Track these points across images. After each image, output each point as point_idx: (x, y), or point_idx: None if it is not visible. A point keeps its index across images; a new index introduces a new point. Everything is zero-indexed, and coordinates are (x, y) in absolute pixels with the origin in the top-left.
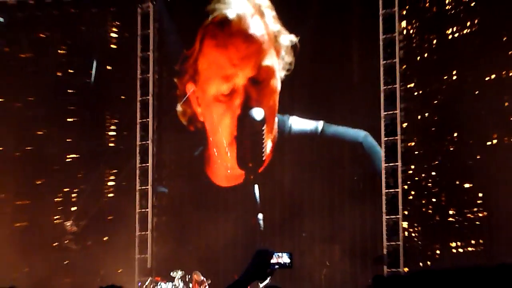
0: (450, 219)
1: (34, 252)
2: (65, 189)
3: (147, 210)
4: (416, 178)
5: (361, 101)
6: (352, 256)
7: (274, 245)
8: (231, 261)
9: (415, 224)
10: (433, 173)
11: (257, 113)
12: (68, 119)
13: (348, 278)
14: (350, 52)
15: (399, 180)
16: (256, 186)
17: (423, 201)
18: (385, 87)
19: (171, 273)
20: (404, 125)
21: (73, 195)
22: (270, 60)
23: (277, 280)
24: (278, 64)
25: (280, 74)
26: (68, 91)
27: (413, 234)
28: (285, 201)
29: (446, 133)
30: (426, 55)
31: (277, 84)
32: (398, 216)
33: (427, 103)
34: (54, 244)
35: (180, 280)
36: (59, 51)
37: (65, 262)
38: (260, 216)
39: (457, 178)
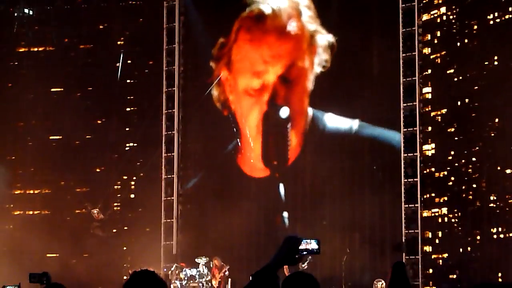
0: (491, 205)
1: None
2: (124, 177)
3: (172, 198)
4: (456, 164)
5: (383, 94)
6: (372, 244)
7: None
8: (254, 249)
9: (455, 210)
10: (474, 159)
11: (283, 111)
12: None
13: (368, 265)
14: (372, 46)
15: (418, 170)
16: (282, 185)
17: (463, 187)
18: (404, 80)
19: (196, 259)
20: (444, 110)
21: (132, 182)
22: (303, 60)
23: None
24: (312, 63)
25: (315, 70)
26: (127, 81)
27: (453, 220)
28: (308, 196)
29: (487, 119)
30: (466, 41)
31: (308, 84)
32: (416, 205)
33: (468, 89)
34: (114, 231)
35: (204, 266)
36: (118, 42)
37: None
38: (285, 214)
39: (498, 164)
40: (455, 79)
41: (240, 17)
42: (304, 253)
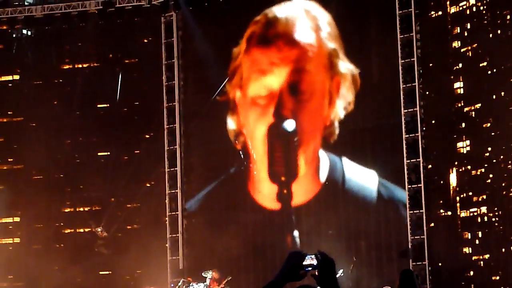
0: None
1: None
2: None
3: (177, 213)
4: (494, 161)
5: (383, 100)
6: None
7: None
8: (261, 261)
9: (495, 209)
10: None
11: (289, 124)
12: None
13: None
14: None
15: (421, 175)
16: (291, 202)
17: (503, 184)
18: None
19: (203, 273)
20: (478, 105)
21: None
22: (316, 75)
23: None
24: (329, 87)
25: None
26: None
27: (493, 219)
28: (313, 207)
29: None
30: (499, 31)
31: (323, 103)
32: (421, 211)
33: (502, 82)
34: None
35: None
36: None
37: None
38: (296, 233)
39: None
40: (489, 72)
41: (253, 22)
42: (309, 268)
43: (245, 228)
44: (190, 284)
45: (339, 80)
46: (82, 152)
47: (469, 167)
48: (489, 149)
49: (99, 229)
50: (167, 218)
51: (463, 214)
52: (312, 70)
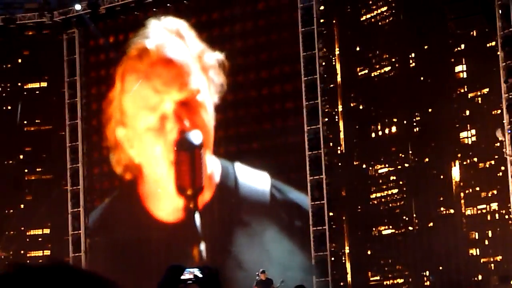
0: None
1: None
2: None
3: (79, 232)
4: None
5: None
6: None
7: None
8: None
9: (509, 205)
10: None
11: (195, 136)
12: None
13: None
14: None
15: (324, 191)
16: (197, 215)
17: None
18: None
19: None
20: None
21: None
22: (196, 80)
23: None
24: (205, 81)
25: (213, 98)
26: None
27: (506, 217)
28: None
29: None
30: None
31: (206, 100)
32: (324, 227)
33: None
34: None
35: None
36: None
37: None
38: (203, 246)
39: None
40: None
41: (121, 62)
42: (189, 282)
43: (148, 245)
44: None
45: (207, 69)
46: None
47: (475, 159)
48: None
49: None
50: (69, 237)
51: (468, 212)
52: (193, 78)
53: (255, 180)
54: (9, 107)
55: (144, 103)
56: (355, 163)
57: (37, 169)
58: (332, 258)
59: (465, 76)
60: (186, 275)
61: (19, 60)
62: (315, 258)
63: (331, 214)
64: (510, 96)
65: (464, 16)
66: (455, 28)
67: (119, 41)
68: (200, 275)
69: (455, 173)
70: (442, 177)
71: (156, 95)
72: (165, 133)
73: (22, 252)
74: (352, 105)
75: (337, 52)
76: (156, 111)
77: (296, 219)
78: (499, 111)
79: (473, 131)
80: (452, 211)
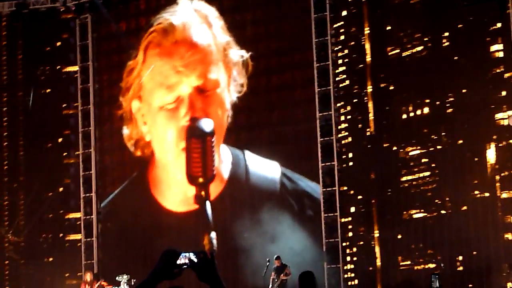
0: None
1: None
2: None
3: (92, 217)
4: None
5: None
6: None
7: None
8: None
9: None
10: None
11: (206, 124)
12: None
13: None
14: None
15: (336, 178)
16: (208, 203)
17: None
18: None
19: (117, 278)
20: None
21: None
22: (217, 72)
23: None
24: (226, 77)
25: (232, 96)
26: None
27: None
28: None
29: None
30: None
31: (225, 96)
32: (336, 214)
33: None
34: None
35: (126, 284)
36: None
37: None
38: (213, 234)
39: None
40: None
41: (147, 34)
42: (184, 267)
43: (159, 232)
44: None
45: (230, 67)
46: None
47: None
48: None
49: (9, 234)
50: (81, 222)
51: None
52: (214, 68)
53: (265, 168)
54: (47, 90)
55: (163, 80)
56: (384, 145)
57: (76, 153)
58: (361, 242)
59: (501, 55)
60: (182, 260)
61: (58, 44)
62: (326, 244)
63: (359, 197)
64: None
65: (477, 2)
66: (467, 15)
67: (131, 29)
68: (195, 260)
69: (490, 155)
70: (476, 159)
71: (176, 75)
72: (178, 117)
73: (61, 235)
74: (382, 85)
75: (366, 32)
76: (174, 91)
77: (306, 208)
78: None
79: (510, 112)
80: (487, 194)
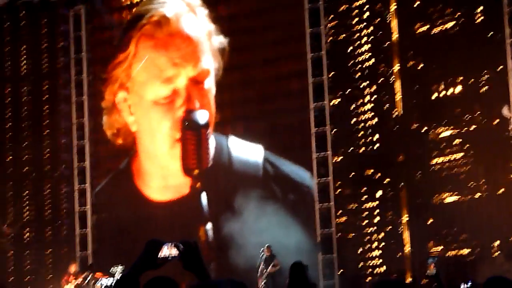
0: None
1: None
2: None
3: (86, 208)
4: None
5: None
6: None
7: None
8: None
9: None
10: None
11: (202, 116)
12: None
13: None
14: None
15: (330, 164)
16: (204, 194)
17: None
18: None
19: (111, 269)
20: None
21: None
22: (207, 61)
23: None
24: (214, 65)
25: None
26: None
27: None
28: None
29: None
30: None
31: (212, 84)
32: (330, 204)
33: None
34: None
35: (120, 274)
36: None
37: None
38: (209, 225)
39: None
40: None
41: (138, 26)
42: (169, 258)
43: (155, 221)
44: (99, 280)
45: (217, 56)
46: None
47: None
48: None
49: (4, 226)
50: (76, 213)
51: None
52: (205, 58)
53: (248, 153)
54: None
55: (159, 73)
56: (413, 126)
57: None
58: (390, 227)
59: None
60: (165, 249)
61: (51, 35)
62: (320, 235)
63: (387, 180)
64: None
65: None
66: None
67: (123, 19)
68: (177, 252)
69: None
70: None
71: (173, 68)
72: (174, 109)
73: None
74: (410, 64)
75: (392, 8)
76: (170, 84)
77: (291, 194)
78: None
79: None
80: None
